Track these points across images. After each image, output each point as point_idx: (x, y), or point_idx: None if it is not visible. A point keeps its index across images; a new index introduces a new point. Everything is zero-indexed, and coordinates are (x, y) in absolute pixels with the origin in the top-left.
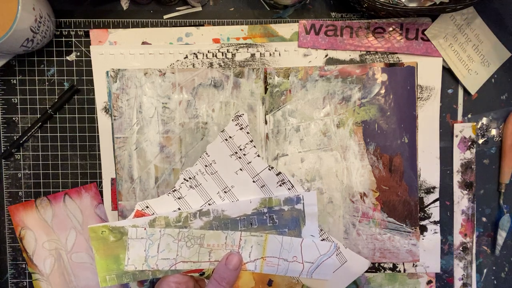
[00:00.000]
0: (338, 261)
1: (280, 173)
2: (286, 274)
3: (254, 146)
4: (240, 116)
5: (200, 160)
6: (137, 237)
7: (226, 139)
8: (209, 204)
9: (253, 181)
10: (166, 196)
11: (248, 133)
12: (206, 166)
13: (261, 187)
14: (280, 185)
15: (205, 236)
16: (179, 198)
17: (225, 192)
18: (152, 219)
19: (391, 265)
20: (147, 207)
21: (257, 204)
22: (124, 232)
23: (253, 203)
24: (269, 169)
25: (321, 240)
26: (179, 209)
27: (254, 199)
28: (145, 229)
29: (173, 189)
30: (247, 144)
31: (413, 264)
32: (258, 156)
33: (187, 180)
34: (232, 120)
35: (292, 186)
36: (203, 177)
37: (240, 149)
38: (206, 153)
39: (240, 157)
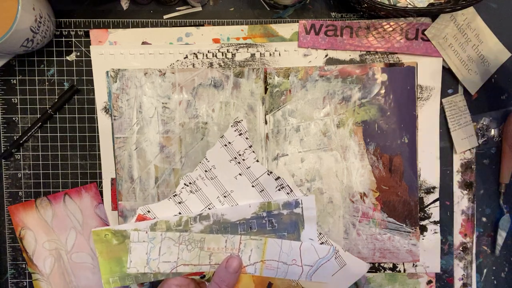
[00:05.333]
0: (337, 264)
1: (279, 177)
2: (286, 277)
3: (253, 152)
4: (239, 122)
5: (200, 165)
6: (139, 240)
7: (226, 145)
8: (209, 209)
9: (252, 186)
10: (167, 201)
11: (247, 138)
12: (206, 171)
13: (260, 191)
14: (279, 190)
15: (205, 240)
16: (179, 203)
17: (224, 196)
18: (153, 223)
19: (391, 265)
20: (149, 211)
21: (256, 208)
22: (126, 235)
23: (252, 208)
24: (268, 174)
25: (320, 243)
26: (179, 213)
27: (253, 204)
28: (146, 232)
29: (174, 194)
30: (246, 149)
31: (413, 264)
32: (257, 161)
33: (188, 185)
34: (231, 126)
35: (291, 191)
36: (203, 182)
37: (240, 155)
38: (206, 159)
39: (239, 162)
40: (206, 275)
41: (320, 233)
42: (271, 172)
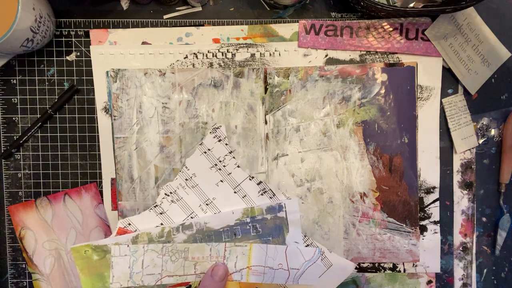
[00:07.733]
0: (323, 266)
1: (261, 182)
2: (273, 282)
3: (234, 157)
4: (217, 128)
5: (180, 174)
6: (121, 254)
7: (205, 152)
8: (191, 218)
9: (234, 192)
10: (148, 212)
11: (226, 144)
12: (186, 179)
13: (243, 197)
14: (262, 194)
15: (189, 250)
16: (161, 213)
17: (207, 204)
18: (134, 236)
19: (391, 265)
20: (129, 224)
21: (239, 214)
22: (107, 250)
23: (236, 214)
24: (249, 179)
25: (305, 246)
26: (161, 224)
27: (236, 210)
28: (128, 246)
29: (155, 205)
30: (226, 155)
31: (413, 264)
32: (238, 166)
33: (168, 195)
34: (210, 132)
35: (274, 195)
36: (184, 191)
37: (220, 161)
38: (186, 167)
39: (220, 169)
40: (192, 285)
41: (305, 236)
42: (252, 177)
